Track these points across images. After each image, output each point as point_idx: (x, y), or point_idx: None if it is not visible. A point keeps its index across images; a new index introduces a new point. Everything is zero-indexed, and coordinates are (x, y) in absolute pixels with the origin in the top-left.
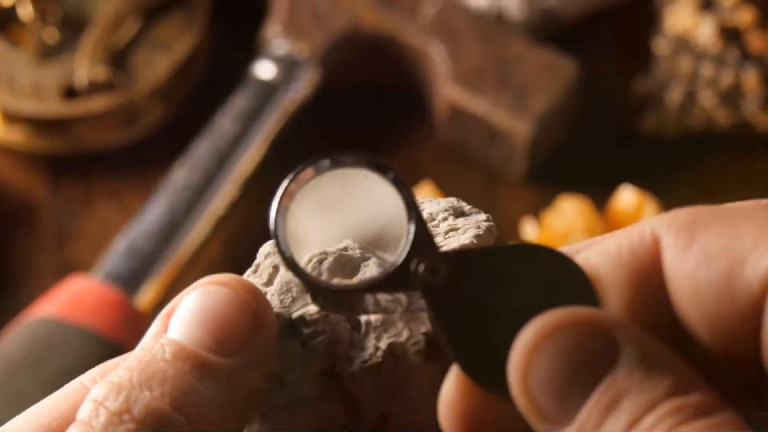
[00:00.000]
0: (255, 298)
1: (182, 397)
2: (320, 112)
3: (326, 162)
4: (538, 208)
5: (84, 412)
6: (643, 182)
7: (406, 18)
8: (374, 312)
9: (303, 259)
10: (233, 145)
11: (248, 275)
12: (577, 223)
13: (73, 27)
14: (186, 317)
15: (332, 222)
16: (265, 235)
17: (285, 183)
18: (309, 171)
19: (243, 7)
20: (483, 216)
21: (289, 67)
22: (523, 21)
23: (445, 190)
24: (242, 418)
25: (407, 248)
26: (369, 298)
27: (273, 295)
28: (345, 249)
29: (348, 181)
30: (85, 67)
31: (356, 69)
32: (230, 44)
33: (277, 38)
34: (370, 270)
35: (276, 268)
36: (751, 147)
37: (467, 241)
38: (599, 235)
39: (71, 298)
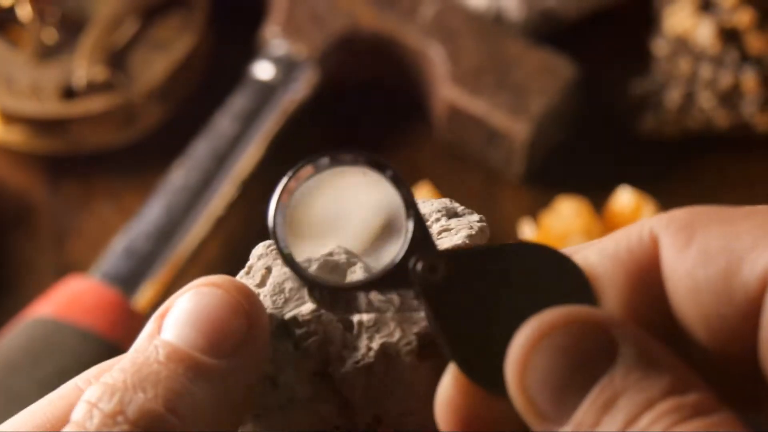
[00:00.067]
0: (248, 299)
1: (176, 398)
2: (319, 112)
3: (325, 160)
4: (536, 208)
5: (78, 414)
6: (641, 183)
7: (404, 18)
8: (368, 311)
9: (298, 259)
10: (232, 145)
11: (241, 276)
12: (575, 224)
13: (71, 27)
14: (179, 319)
15: (330, 219)
16: (263, 236)
17: (284, 180)
18: (308, 168)
19: (242, 8)
20: (476, 217)
21: (287, 67)
22: (521, 22)
23: (444, 191)
24: (235, 419)
25: (406, 246)
26: (364, 297)
27: (265, 296)
28: (330, 254)
29: (347, 179)
30: (83, 68)
31: (355, 69)
32: (229, 45)
33: (275, 39)
34: (356, 275)
35: (269, 270)
36: (749, 148)
37: (459, 242)
38: (597, 236)
39: (69, 298)
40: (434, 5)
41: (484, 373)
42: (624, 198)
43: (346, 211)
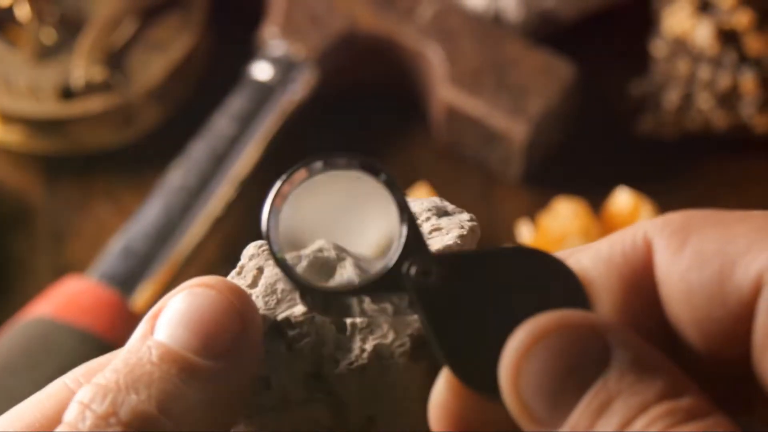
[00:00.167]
0: (241, 300)
1: (169, 400)
2: (317, 113)
3: (319, 163)
4: (534, 209)
5: (70, 415)
6: (640, 184)
7: (403, 19)
8: (361, 315)
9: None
10: (230, 146)
11: (232, 277)
12: (572, 226)
13: (70, 27)
14: (172, 319)
15: (324, 223)
16: (261, 236)
17: (278, 184)
18: (302, 172)
19: (240, 9)
20: (466, 215)
21: (286, 68)
22: (520, 23)
23: (442, 192)
24: (228, 420)
25: (399, 250)
26: (357, 301)
27: (258, 297)
28: (320, 250)
29: (341, 183)
30: (81, 68)
31: (353, 70)
32: (227, 45)
33: (274, 39)
34: (347, 271)
35: (260, 270)
36: (748, 149)
37: (451, 242)
38: (595, 238)
39: (67, 299)
40: (433, 6)
41: (478, 377)
42: (622, 199)
43: (340, 214)
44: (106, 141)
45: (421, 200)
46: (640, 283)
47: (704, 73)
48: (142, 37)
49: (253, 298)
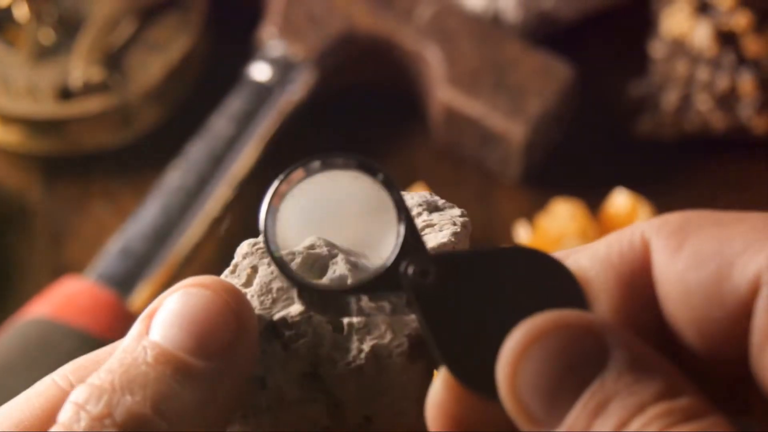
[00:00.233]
0: (236, 300)
1: (164, 401)
2: (315, 114)
3: (317, 163)
4: (532, 211)
5: (65, 415)
6: (638, 185)
7: (401, 20)
8: (359, 313)
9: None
10: (228, 146)
11: (226, 275)
12: (570, 227)
13: (68, 28)
14: (167, 320)
15: (322, 223)
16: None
17: (275, 184)
18: (299, 172)
19: (238, 9)
20: (457, 211)
21: (284, 68)
22: (518, 24)
23: (440, 193)
24: (224, 420)
25: (397, 250)
26: (355, 299)
27: (253, 297)
28: (312, 247)
29: (338, 183)
30: (80, 68)
31: (352, 71)
32: (226, 46)
33: (272, 40)
34: (339, 267)
35: (255, 269)
36: (746, 150)
37: (445, 239)
38: (592, 239)
39: (65, 299)
40: (431, 7)
41: (475, 377)
42: (620, 200)
43: (337, 214)
44: (104, 141)
45: (411, 195)
46: (638, 283)
47: (703, 74)
48: (140, 37)
49: (248, 297)
